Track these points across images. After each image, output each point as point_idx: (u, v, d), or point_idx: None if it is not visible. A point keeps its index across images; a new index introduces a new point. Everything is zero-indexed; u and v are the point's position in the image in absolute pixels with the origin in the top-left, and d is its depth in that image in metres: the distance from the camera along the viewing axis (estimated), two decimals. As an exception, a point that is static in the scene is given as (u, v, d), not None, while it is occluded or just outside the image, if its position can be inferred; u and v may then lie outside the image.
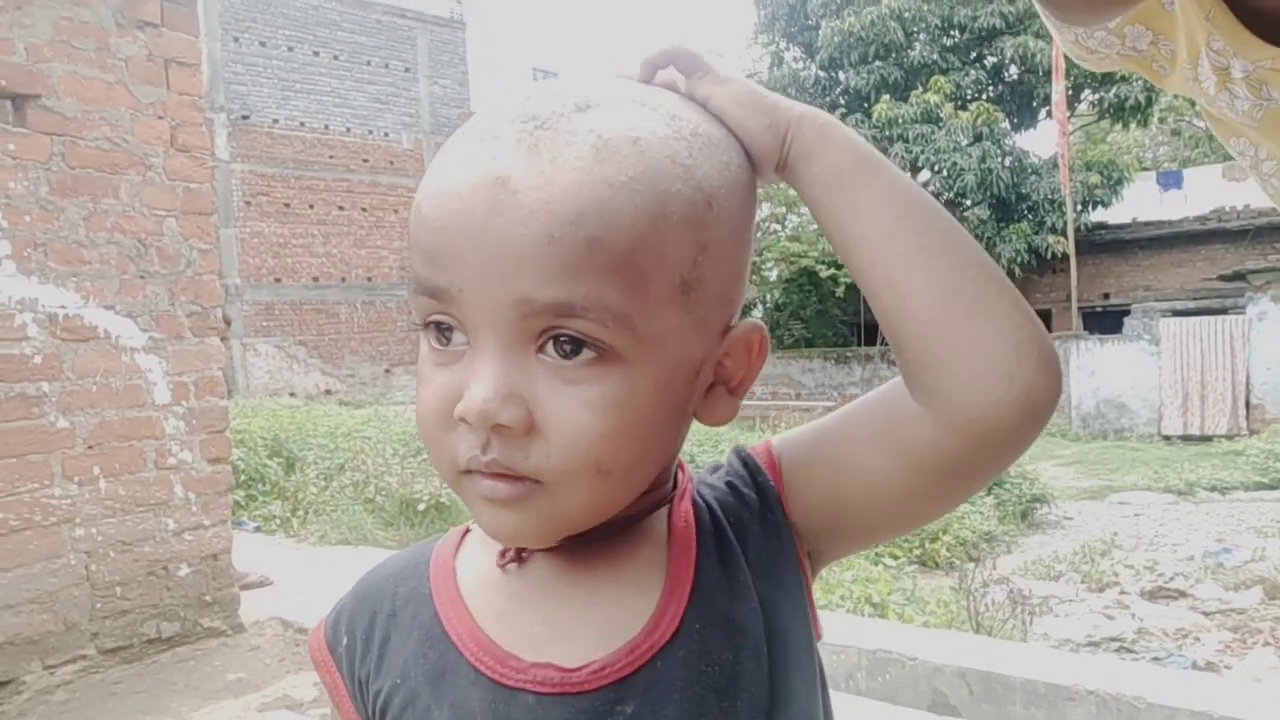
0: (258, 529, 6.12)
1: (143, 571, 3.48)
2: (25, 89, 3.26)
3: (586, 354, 0.51)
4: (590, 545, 0.58)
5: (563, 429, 0.51)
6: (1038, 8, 0.78)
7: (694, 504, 0.62)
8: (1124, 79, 18.01)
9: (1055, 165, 17.22)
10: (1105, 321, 18.04)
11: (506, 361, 0.51)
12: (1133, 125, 20.47)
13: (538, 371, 0.51)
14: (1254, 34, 0.77)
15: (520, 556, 0.60)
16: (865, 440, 0.60)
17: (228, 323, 4.36)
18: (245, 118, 17.22)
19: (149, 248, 3.57)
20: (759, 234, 19.04)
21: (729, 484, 0.63)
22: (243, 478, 6.71)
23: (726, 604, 0.59)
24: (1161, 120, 22.91)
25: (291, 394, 16.04)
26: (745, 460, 0.64)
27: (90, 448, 3.36)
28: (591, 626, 0.58)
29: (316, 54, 18.25)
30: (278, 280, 17.58)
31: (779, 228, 19.20)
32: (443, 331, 0.53)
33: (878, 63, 19.42)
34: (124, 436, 3.46)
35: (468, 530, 0.66)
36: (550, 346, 0.51)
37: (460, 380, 0.52)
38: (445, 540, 0.66)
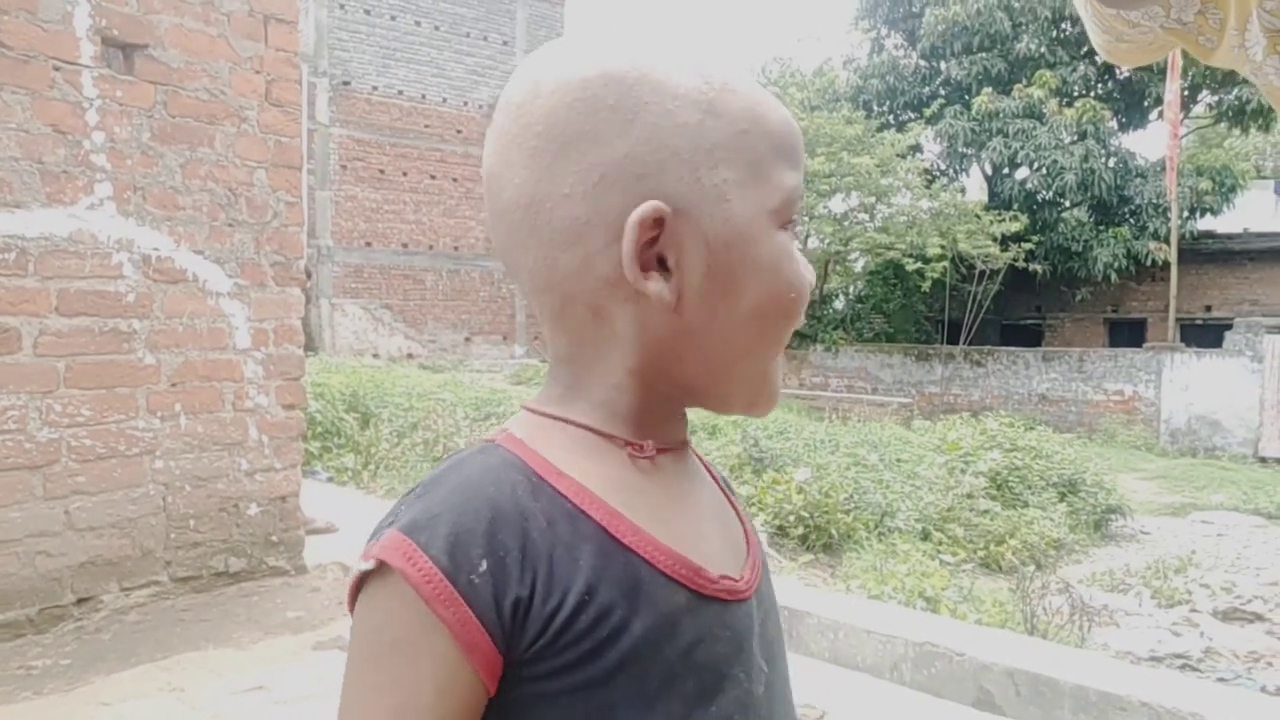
0: (330, 479, 6.33)
1: (215, 507, 3.65)
2: (135, 39, 3.41)
3: None
4: (684, 452, 0.69)
5: None
6: None
7: None
8: (1247, 80, 17.09)
9: (1163, 169, 16.50)
10: (1205, 335, 17.28)
11: None
12: (1253, 130, 19.44)
13: None
14: None
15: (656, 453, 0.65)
16: None
17: (308, 275, 4.50)
18: (346, 83, 17.66)
19: (239, 197, 3.71)
20: (845, 223, 18.75)
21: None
22: (319, 429, 6.95)
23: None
24: (1285, 127, 21.66)
25: (375, 355, 16.49)
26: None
27: (174, 385, 3.52)
28: (718, 535, 0.67)
29: (418, 23, 18.57)
30: (368, 244, 18.03)
31: (866, 218, 18.84)
32: (790, 228, 0.64)
33: (981, 54, 18.87)
34: (205, 377, 3.61)
35: (520, 441, 0.63)
36: None
37: None
38: (516, 453, 0.62)
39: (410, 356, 17.41)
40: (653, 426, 0.65)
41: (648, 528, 0.61)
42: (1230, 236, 18.55)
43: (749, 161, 0.61)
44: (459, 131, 19.14)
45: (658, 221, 0.59)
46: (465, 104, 19.23)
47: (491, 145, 0.65)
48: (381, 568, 0.56)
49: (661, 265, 0.61)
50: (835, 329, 19.27)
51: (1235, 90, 17.57)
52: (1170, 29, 0.87)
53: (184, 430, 3.55)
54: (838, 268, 20.48)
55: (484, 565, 0.56)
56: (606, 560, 0.59)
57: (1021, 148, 18.05)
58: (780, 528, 6.10)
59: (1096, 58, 19.03)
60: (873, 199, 18.40)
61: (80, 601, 3.28)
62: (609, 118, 0.60)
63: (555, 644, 0.57)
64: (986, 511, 7.01)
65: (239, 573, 3.72)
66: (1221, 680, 3.88)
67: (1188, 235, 17.57)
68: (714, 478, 0.72)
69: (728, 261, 0.61)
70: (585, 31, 0.64)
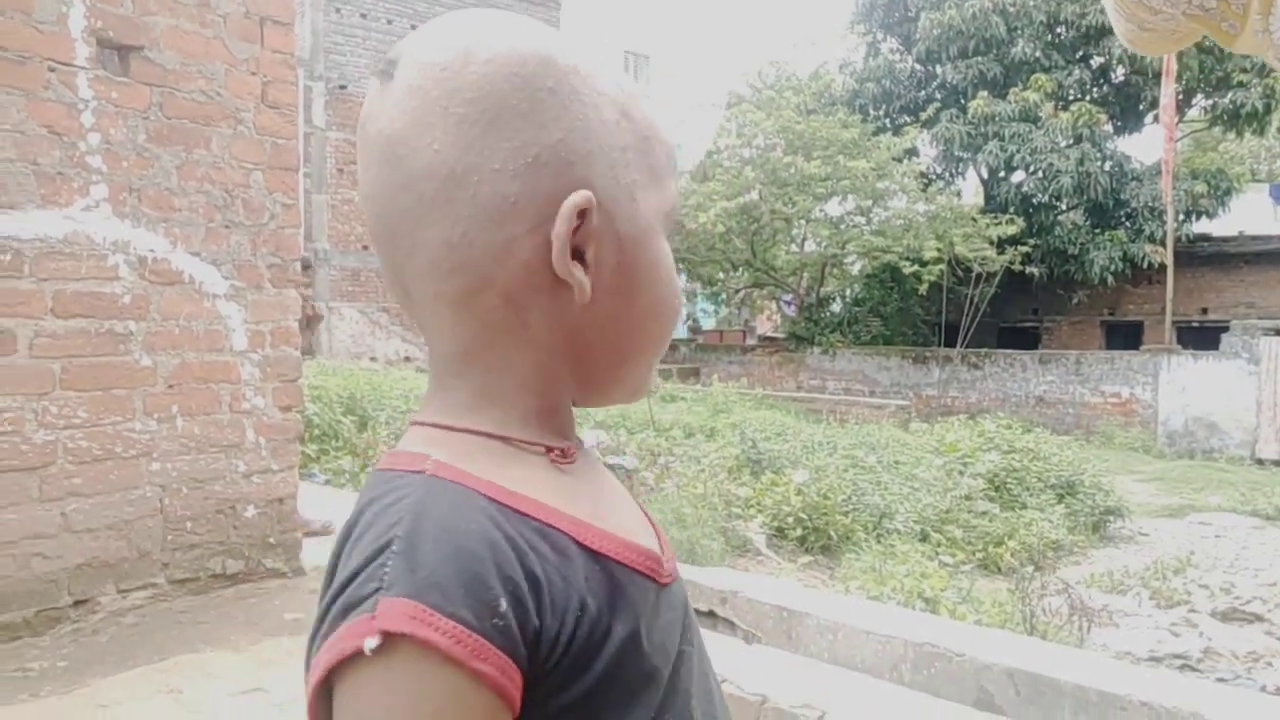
0: (328, 482, 6.32)
1: (212, 509, 3.63)
2: (130, 40, 3.40)
3: None
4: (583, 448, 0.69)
5: None
6: None
7: None
8: (1241, 84, 17.16)
9: (1158, 172, 16.53)
10: (1201, 337, 17.30)
11: None
12: (1247, 134, 19.48)
13: None
14: None
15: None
16: None
17: (306, 266, 4.49)
18: (342, 87, 17.66)
19: (235, 199, 3.70)
20: (841, 226, 18.75)
21: None
22: (316, 432, 6.93)
23: None
24: (1280, 130, 21.71)
25: (372, 358, 16.47)
26: None
27: (170, 387, 3.51)
28: (639, 521, 0.68)
29: (414, 28, 18.47)
30: (365, 248, 18.01)
31: (863, 221, 18.86)
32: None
33: (977, 58, 18.90)
34: (202, 379, 3.60)
35: (450, 466, 0.59)
36: None
37: None
38: (458, 480, 0.58)
39: (408, 360, 17.39)
40: (561, 427, 0.65)
41: (602, 526, 0.62)
42: (1226, 239, 18.59)
43: (650, 166, 0.64)
44: (456, 136, 19.13)
45: (582, 213, 0.59)
46: (462, 108, 19.22)
47: (398, 105, 0.59)
48: (389, 643, 0.50)
49: (578, 257, 0.60)
50: (832, 332, 19.28)
51: (1230, 94, 17.60)
52: (1193, 15, 0.86)
53: (181, 432, 3.54)
54: (834, 271, 20.50)
55: (503, 605, 0.52)
56: (587, 571, 0.58)
57: (1017, 151, 18.07)
58: (779, 529, 6.09)
59: (1092, 62, 19.08)
60: (869, 202, 18.43)
61: (77, 604, 3.26)
62: (547, 100, 0.59)
63: (559, 666, 0.55)
64: (985, 513, 7.01)
65: (236, 574, 3.70)
66: (1221, 680, 3.87)
67: (1183, 238, 17.60)
68: None
69: (634, 259, 0.63)
70: (491, 12, 0.63)
